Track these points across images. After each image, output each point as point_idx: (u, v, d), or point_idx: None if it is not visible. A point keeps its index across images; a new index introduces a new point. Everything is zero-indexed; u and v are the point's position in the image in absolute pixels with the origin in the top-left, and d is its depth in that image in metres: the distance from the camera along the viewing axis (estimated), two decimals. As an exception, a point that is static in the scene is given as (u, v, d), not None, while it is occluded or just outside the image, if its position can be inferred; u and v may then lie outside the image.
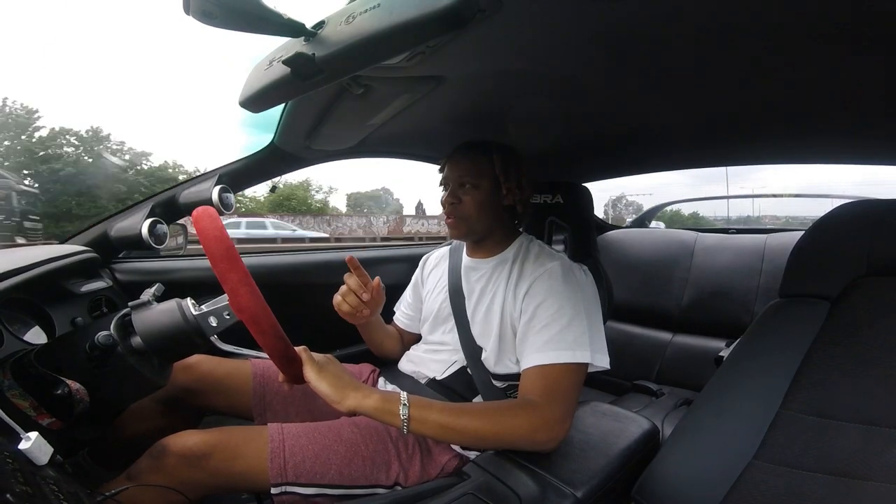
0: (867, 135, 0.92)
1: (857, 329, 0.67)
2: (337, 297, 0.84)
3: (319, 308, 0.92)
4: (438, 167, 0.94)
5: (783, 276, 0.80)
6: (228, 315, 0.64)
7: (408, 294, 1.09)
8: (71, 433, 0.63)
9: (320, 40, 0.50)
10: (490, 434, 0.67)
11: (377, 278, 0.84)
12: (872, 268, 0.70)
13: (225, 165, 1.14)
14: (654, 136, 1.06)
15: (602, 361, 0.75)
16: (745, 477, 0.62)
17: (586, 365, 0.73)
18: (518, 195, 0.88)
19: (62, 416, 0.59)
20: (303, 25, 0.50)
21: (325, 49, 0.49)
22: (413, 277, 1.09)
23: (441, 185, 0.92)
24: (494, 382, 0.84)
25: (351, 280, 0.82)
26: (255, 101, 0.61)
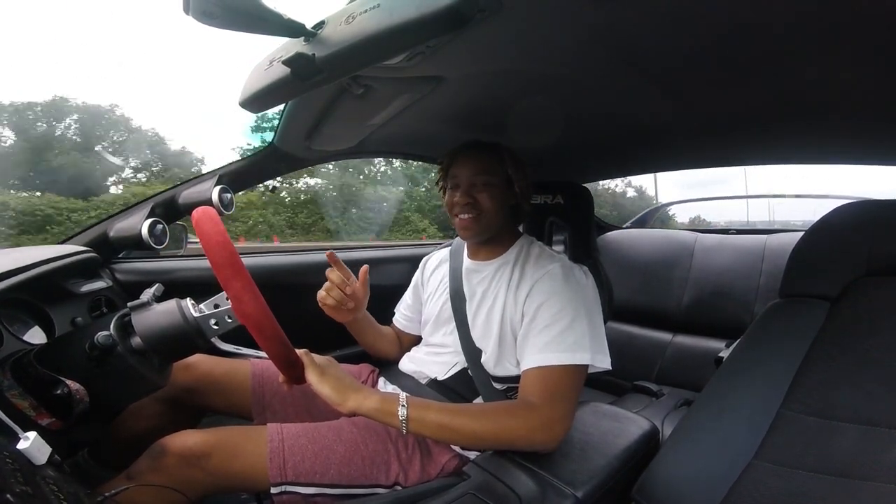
0: (868, 135, 0.92)
1: (856, 329, 0.67)
2: (321, 293, 0.84)
3: (319, 308, 0.92)
4: (440, 167, 0.93)
5: (783, 277, 0.80)
6: (230, 319, 0.64)
7: (408, 296, 1.08)
8: (70, 433, 0.62)
9: (320, 40, 0.50)
10: (489, 434, 0.67)
11: (365, 266, 0.85)
12: (872, 268, 0.70)
13: (225, 165, 1.14)
14: (655, 136, 1.06)
15: (603, 362, 0.75)
16: (745, 477, 0.62)
17: (586, 366, 0.73)
18: (525, 195, 0.88)
19: (62, 416, 0.59)
20: (303, 25, 0.50)
21: (325, 49, 0.49)
22: (413, 279, 1.09)
23: (443, 184, 0.91)
24: (494, 384, 0.84)
25: (333, 274, 0.83)
26: (255, 102, 0.61)
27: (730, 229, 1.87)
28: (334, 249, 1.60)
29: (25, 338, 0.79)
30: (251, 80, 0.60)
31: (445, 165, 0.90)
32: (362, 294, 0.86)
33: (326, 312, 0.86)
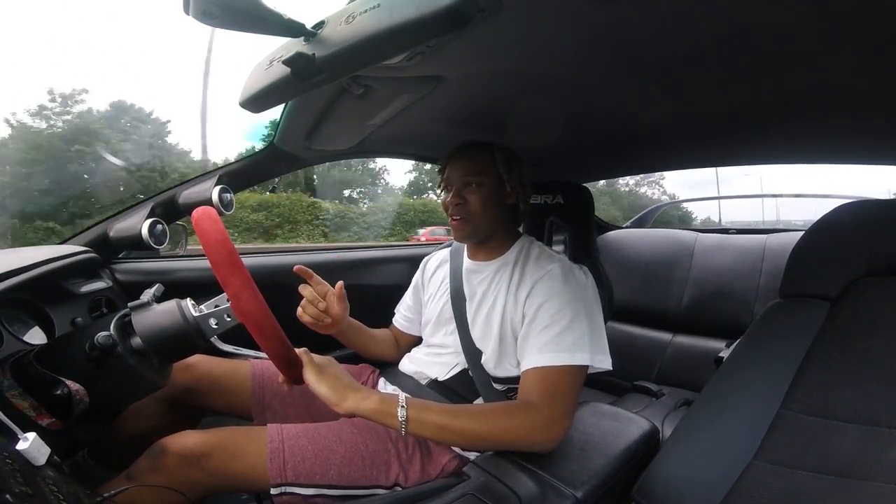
0: (868, 135, 0.93)
1: (856, 329, 0.67)
2: (298, 310, 0.83)
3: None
4: (438, 169, 0.93)
5: (783, 277, 0.80)
6: (229, 317, 0.64)
7: (408, 296, 1.08)
8: (70, 433, 0.62)
9: (320, 40, 0.50)
10: (489, 435, 0.67)
11: (339, 283, 0.83)
12: (872, 268, 0.70)
13: (225, 165, 1.14)
14: (655, 136, 1.06)
15: (603, 363, 0.75)
16: (745, 477, 0.62)
17: (586, 367, 0.73)
18: (521, 193, 0.88)
19: (62, 416, 0.59)
20: (303, 25, 0.50)
21: (325, 49, 0.49)
22: (413, 280, 1.09)
23: (441, 187, 0.91)
24: (494, 385, 0.84)
25: (306, 291, 0.81)
26: (255, 101, 0.61)
27: (730, 229, 1.87)
28: (331, 249, 1.61)
29: (25, 338, 0.79)
30: (251, 80, 0.60)
31: (442, 167, 0.91)
32: (338, 310, 0.83)
33: (308, 327, 0.84)
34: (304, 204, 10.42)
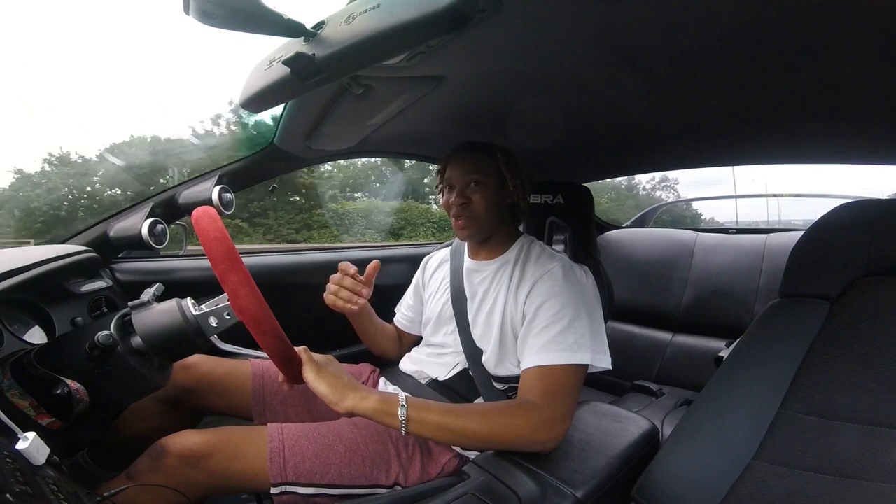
0: (867, 135, 0.92)
1: (856, 329, 0.67)
2: (329, 297, 0.83)
3: (319, 308, 0.93)
4: (437, 169, 0.94)
5: (783, 277, 0.80)
6: (229, 315, 0.64)
7: (408, 296, 1.09)
8: (70, 433, 0.62)
9: (320, 40, 0.50)
10: (489, 435, 0.67)
11: (375, 261, 0.83)
12: (872, 268, 0.70)
13: (225, 165, 1.14)
14: (655, 136, 1.06)
15: (603, 362, 0.75)
16: (744, 477, 0.62)
17: (586, 366, 0.73)
18: (521, 192, 0.88)
19: (62, 416, 0.59)
20: (303, 25, 0.50)
21: (325, 49, 0.49)
22: (414, 279, 1.09)
23: (441, 186, 0.91)
24: (495, 384, 0.84)
25: (347, 281, 0.82)
26: (255, 102, 0.61)
27: (730, 229, 1.87)
28: (331, 249, 1.61)
29: (25, 338, 0.79)
30: (251, 81, 0.60)
31: (442, 167, 0.91)
32: (367, 294, 0.85)
33: (329, 306, 0.85)
34: (419, 209, 11.93)
